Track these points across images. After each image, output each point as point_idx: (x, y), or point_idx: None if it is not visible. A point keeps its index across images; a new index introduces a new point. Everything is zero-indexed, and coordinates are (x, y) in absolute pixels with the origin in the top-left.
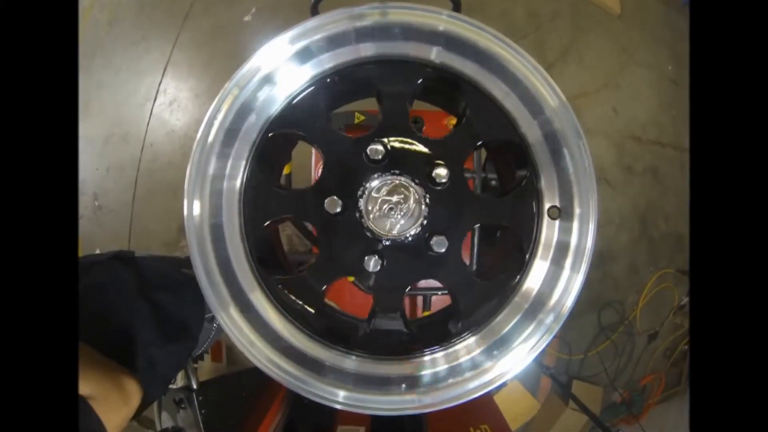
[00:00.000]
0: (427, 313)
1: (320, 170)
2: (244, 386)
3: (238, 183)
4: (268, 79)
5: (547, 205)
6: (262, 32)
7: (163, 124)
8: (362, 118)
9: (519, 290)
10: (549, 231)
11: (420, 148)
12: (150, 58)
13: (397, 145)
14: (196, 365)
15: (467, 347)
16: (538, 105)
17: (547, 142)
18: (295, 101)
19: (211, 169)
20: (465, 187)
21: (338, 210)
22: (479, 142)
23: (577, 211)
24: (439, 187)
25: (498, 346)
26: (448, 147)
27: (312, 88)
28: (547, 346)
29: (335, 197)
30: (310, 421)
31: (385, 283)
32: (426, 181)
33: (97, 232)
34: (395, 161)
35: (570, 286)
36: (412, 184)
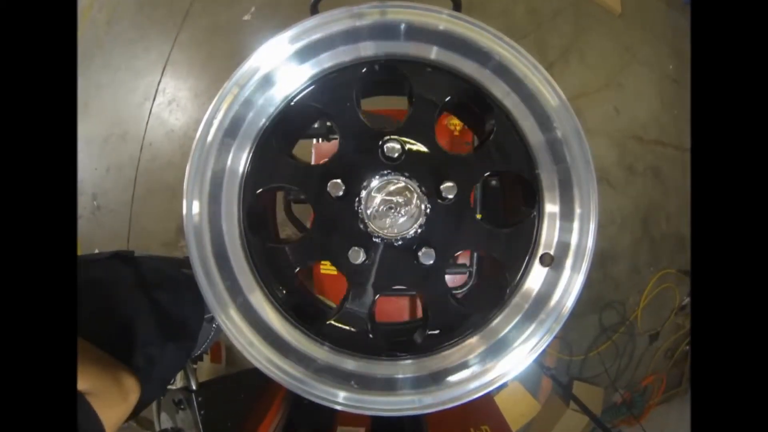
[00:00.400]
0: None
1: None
2: (244, 387)
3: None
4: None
5: (541, 251)
6: (261, 31)
7: (162, 124)
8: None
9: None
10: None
11: (435, 157)
12: (149, 57)
13: (413, 148)
14: (195, 366)
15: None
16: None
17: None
18: (324, 83)
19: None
20: (467, 208)
21: (340, 194)
22: (496, 171)
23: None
24: (443, 202)
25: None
26: (463, 165)
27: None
28: (548, 346)
29: (339, 181)
30: (309, 422)
31: (364, 279)
32: (433, 193)
33: (96, 232)
34: (408, 164)
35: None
36: (418, 191)
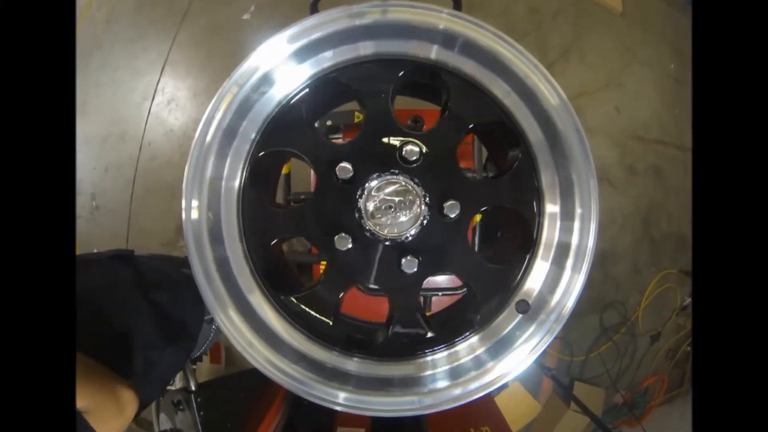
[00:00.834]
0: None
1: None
2: (243, 388)
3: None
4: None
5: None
6: (261, 31)
7: (162, 124)
8: (361, 117)
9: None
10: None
11: (449, 172)
12: (148, 56)
13: (431, 157)
14: (194, 367)
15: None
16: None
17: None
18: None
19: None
20: (463, 233)
21: (347, 177)
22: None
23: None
24: (442, 218)
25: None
26: (474, 190)
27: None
28: (548, 347)
29: (349, 165)
30: (309, 423)
31: (341, 267)
32: (435, 207)
33: (95, 232)
34: (422, 170)
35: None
36: (422, 199)
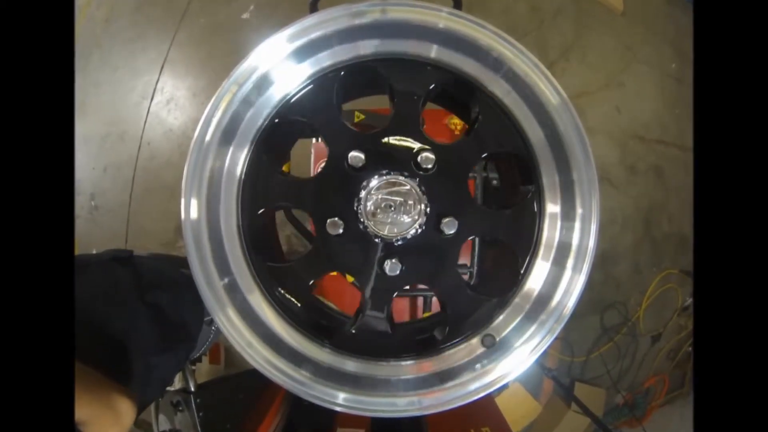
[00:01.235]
0: (427, 314)
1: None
2: (243, 388)
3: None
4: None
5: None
6: (260, 30)
7: (161, 123)
8: (362, 117)
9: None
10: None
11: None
12: (147, 56)
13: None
14: (194, 367)
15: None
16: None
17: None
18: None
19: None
20: (454, 256)
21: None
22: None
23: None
24: (438, 233)
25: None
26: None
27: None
28: (549, 347)
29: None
30: (309, 424)
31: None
32: (432, 220)
33: (94, 232)
34: (431, 180)
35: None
36: (423, 210)
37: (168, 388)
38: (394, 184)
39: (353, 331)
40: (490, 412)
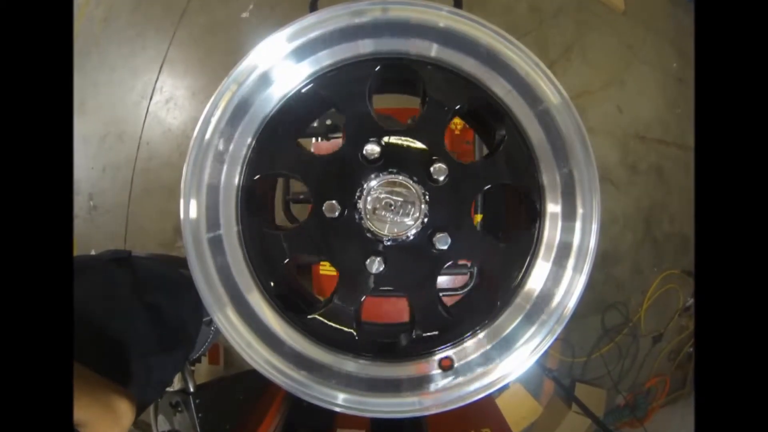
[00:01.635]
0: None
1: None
2: (242, 389)
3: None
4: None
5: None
6: (260, 29)
7: (160, 123)
8: None
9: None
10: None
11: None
12: (146, 55)
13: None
14: (193, 368)
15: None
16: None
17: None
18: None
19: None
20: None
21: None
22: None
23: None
24: (431, 248)
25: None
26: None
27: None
28: (550, 348)
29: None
30: (308, 424)
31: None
32: (425, 240)
33: (93, 232)
34: (442, 195)
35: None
36: (421, 222)
37: (167, 389)
38: (401, 185)
39: (321, 318)
40: (491, 412)
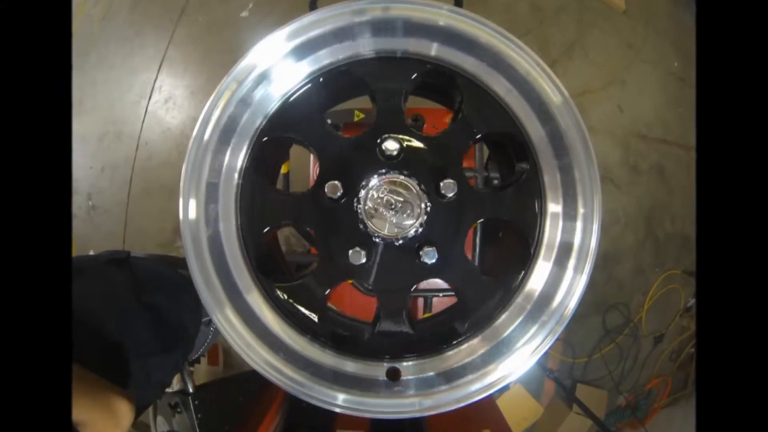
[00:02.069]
0: (428, 315)
1: (317, 170)
2: (241, 390)
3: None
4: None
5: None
6: (259, 28)
7: (159, 122)
8: (362, 116)
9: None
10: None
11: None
12: (145, 54)
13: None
14: (192, 369)
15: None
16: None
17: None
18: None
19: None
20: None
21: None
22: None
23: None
24: (422, 261)
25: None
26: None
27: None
28: (550, 348)
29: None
30: (308, 425)
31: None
32: (414, 253)
33: (92, 232)
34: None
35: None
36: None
37: (166, 390)
38: (407, 188)
39: (288, 296)
40: (491, 413)
